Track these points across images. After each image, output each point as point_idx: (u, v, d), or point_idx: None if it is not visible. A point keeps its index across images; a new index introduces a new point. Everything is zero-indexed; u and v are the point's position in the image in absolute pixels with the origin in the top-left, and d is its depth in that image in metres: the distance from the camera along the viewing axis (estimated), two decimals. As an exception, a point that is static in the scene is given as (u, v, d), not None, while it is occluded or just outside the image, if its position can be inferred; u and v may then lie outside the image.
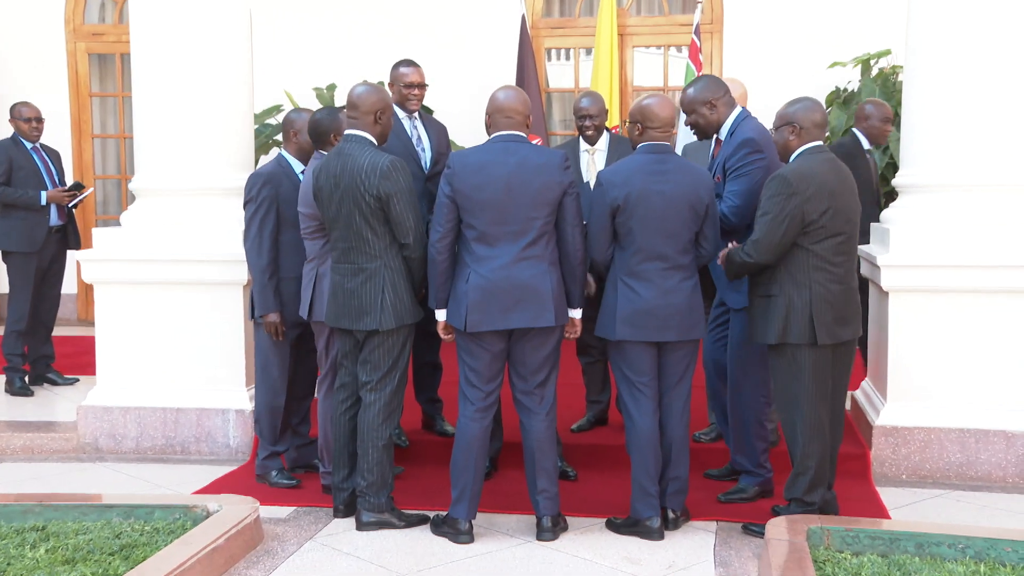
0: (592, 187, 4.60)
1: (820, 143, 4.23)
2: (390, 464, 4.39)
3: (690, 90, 4.63)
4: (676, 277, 4.23)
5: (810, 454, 4.18)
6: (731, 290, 4.59)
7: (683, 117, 4.73)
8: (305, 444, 5.12)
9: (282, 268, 4.81)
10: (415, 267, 4.34)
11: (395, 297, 4.28)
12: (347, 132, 4.38)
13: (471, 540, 4.20)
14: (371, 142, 4.35)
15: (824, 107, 4.27)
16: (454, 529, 4.22)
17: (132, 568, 3.59)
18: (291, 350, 4.95)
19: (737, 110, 4.59)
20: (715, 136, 4.68)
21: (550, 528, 4.21)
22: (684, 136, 7.81)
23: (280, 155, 4.97)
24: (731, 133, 4.55)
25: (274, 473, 4.99)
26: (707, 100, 4.55)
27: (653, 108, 4.27)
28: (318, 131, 4.63)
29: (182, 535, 3.92)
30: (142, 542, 3.90)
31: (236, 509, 4.16)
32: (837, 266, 4.16)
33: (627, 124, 4.39)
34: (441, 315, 4.29)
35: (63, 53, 9.28)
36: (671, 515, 4.33)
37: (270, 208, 4.78)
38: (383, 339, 4.32)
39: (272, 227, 4.79)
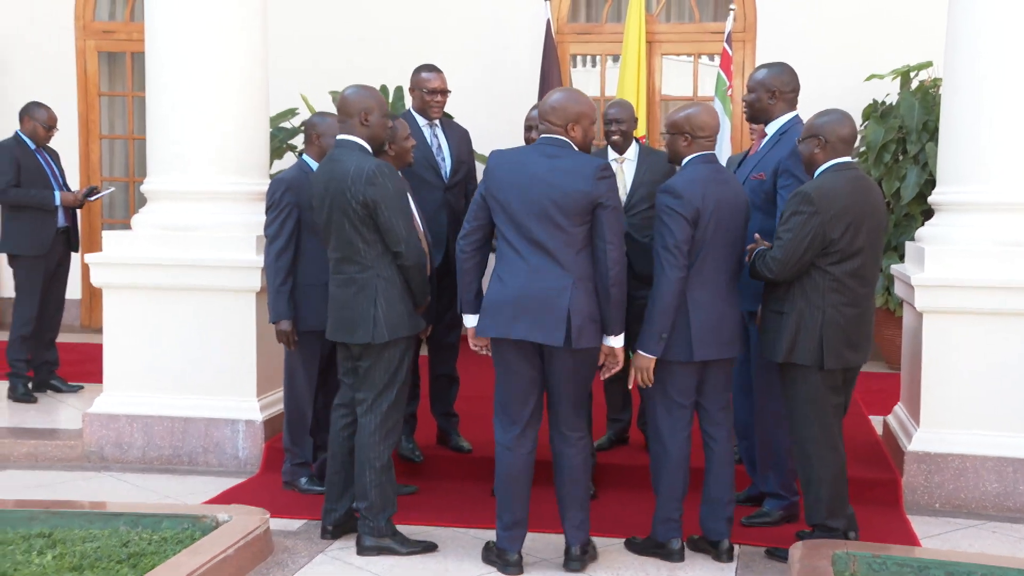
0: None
1: (848, 159, 4.31)
2: (392, 485, 4.39)
3: (763, 71, 4.74)
4: (733, 289, 4.35)
5: (824, 478, 4.28)
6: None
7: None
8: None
9: (304, 275, 4.96)
10: (411, 276, 4.34)
11: (388, 309, 4.27)
12: (338, 137, 4.42)
13: (520, 571, 4.19)
14: (360, 146, 4.35)
15: (854, 121, 4.37)
16: (502, 560, 4.22)
17: (140, 576, 3.74)
18: (323, 359, 5.09)
19: (792, 113, 4.71)
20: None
21: (578, 557, 4.19)
22: (725, 149, 7.98)
23: (302, 160, 5.13)
24: (782, 132, 4.66)
25: (303, 480, 5.13)
26: (772, 89, 4.67)
27: (702, 117, 4.31)
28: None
29: (190, 545, 4.06)
30: (150, 551, 4.04)
31: (246, 520, 4.29)
32: (854, 289, 4.25)
33: (667, 135, 4.39)
34: (468, 320, 4.27)
35: (72, 51, 9.50)
36: (725, 545, 4.35)
37: (291, 214, 4.94)
38: (378, 353, 4.31)
39: (291, 233, 4.94)
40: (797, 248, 4.16)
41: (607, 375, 4.25)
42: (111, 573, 3.80)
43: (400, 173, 4.76)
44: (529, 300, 4.03)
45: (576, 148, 4.16)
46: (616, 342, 4.15)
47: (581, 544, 4.21)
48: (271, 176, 6.09)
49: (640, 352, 4.22)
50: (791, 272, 4.21)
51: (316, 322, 4.92)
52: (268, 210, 5.01)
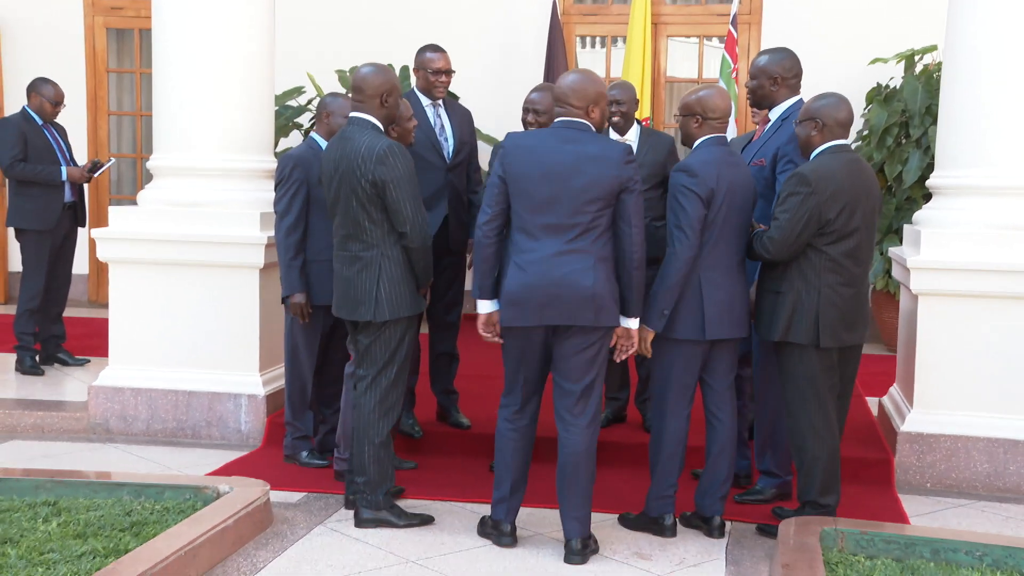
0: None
1: (843, 142, 4.38)
2: (390, 461, 4.46)
3: (764, 57, 4.77)
4: (743, 271, 4.40)
5: (817, 456, 4.35)
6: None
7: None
8: (332, 430, 5.29)
9: (311, 251, 5.03)
10: (415, 257, 4.36)
11: (391, 288, 4.32)
12: (351, 115, 4.45)
13: (514, 543, 4.24)
14: (373, 125, 4.39)
15: (850, 105, 4.42)
16: (497, 531, 4.29)
17: (142, 544, 3.82)
18: (324, 335, 5.17)
19: (795, 98, 4.75)
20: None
21: (579, 551, 4.11)
22: (729, 131, 8.01)
23: (311, 137, 5.20)
24: (783, 118, 4.71)
25: (304, 454, 5.24)
26: (774, 76, 4.71)
27: (714, 99, 4.34)
28: None
29: (191, 514, 4.15)
30: (152, 520, 4.14)
31: (247, 491, 4.38)
32: (849, 269, 4.31)
33: (680, 117, 4.44)
34: (483, 307, 4.18)
35: (80, 27, 9.58)
36: (717, 521, 4.42)
37: (299, 190, 5.01)
38: (379, 331, 4.36)
39: (301, 209, 5.01)
40: (794, 228, 4.23)
41: (621, 357, 4.24)
42: (114, 541, 3.89)
43: None
44: (553, 287, 4.01)
45: (594, 130, 4.16)
46: (632, 323, 4.15)
47: (581, 538, 4.14)
48: (276, 154, 6.17)
49: (642, 325, 4.26)
50: (788, 252, 4.28)
51: (320, 297, 5.01)
52: (277, 186, 5.08)
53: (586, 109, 4.11)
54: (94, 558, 3.73)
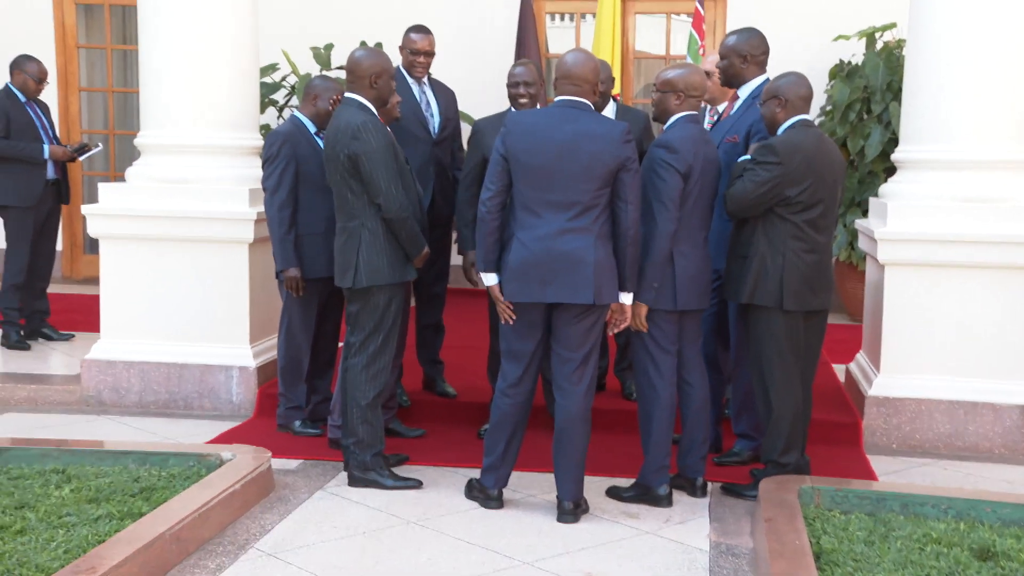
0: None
1: (807, 116, 4.62)
2: (379, 423, 4.67)
3: (733, 37, 5.00)
4: (707, 243, 4.59)
5: (783, 416, 4.58)
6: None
7: None
8: (324, 399, 5.49)
9: (302, 225, 5.20)
10: (395, 228, 4.55)
11: (368, 256, 4.53)
12: (345, 95, 4.69)
13: (501, 506, 4.45)
14: (359, 103, 4.61)
15: (809, 81, 4.66)
16: (484, 495, 4.49)
17: (155, 508, 4.00)
18: (319, 308, 5.34)
19: (763, 76, 4.98)
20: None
21: (571, 511, 4.33)
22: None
23: (295, 116, 5.36)
24: (754, 96, 4.93)
25: (297, 423, 5.41)
26: (744, 54, 4.94)
27: (694, 77, 4.52)
28: None
29: (198, 480, 4.33)
30: (160, 485, 4.31)
31: (249, 458, 4.57)
32: (813, 236, 4.54)
33: (658, 93, 4.57)
34: (487, 279, 4.35)
35: (49, 3, 9.55)
36: (700, 482, 4.65)
37: (288, 165, 5.17)
38: (364, 298, 4.58)
39: (291, 184, 5.17)
40: (753, 191, 4.44)
41: (615, 331, 4.41)
42: (127, 505, 4.06)
43: (388, 128, 5.01)
44: (555, 263, 4.17)
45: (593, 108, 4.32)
46: (627, 298, 4.33)
47: (574, 500, 4.36)
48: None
49: (636, 301, 4.44)
50: (739, 211, 4.52)
51: (314, 271, 5.19)
52: (266, 163, 5.23)
53: (594, 87, 4.29)
54: (110, 521, 3.90)
